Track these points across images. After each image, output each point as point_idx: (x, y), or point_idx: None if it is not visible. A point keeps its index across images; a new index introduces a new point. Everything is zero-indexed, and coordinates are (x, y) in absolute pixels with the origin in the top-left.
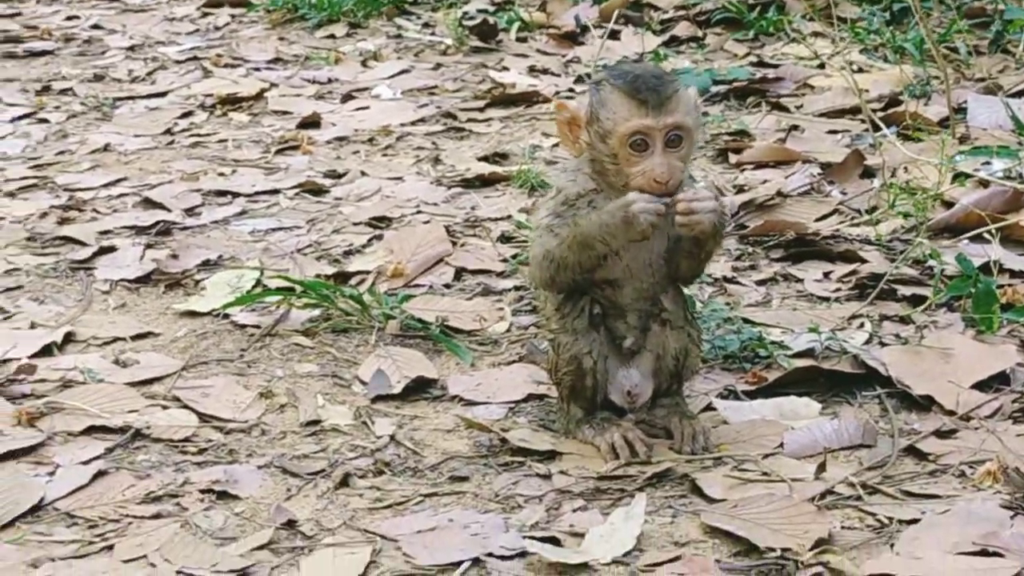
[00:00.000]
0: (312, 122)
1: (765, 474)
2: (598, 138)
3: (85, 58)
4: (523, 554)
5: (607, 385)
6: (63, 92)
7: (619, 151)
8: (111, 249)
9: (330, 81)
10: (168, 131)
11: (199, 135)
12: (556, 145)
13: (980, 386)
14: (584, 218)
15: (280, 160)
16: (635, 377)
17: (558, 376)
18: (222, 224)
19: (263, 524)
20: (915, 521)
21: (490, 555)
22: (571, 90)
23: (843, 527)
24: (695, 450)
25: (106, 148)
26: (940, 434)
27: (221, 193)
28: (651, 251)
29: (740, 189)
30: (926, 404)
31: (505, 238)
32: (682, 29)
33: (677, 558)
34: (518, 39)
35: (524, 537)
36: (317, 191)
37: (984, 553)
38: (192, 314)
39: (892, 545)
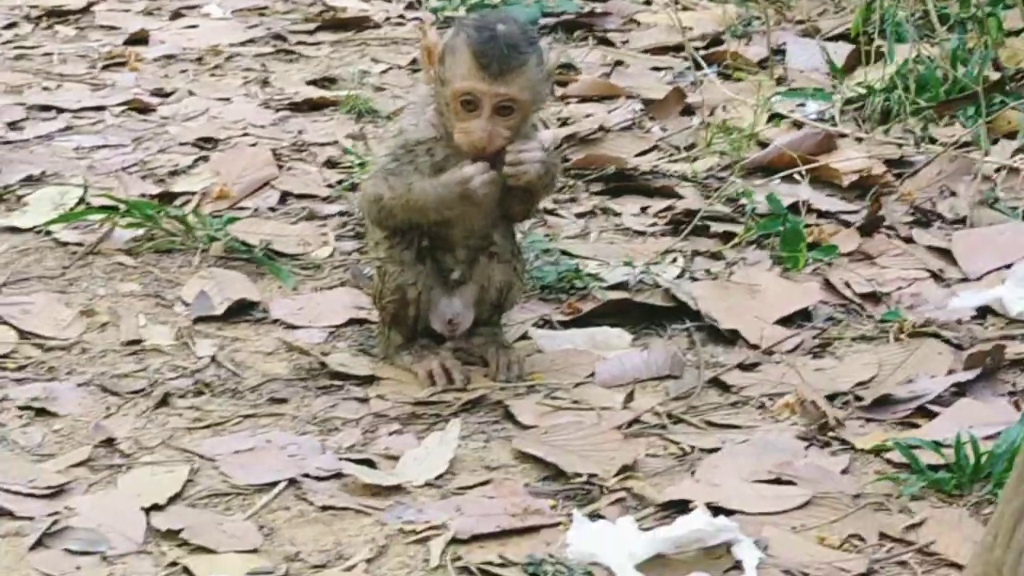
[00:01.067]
0: (140, 38)
1: (576, 402)
2: (439, 80)
3: None
4: (339, 475)
5: (429, 313)
6: None
7: (451, 102)
8: None
9: None
10: None
11: (23, 47)
12: (386, 71)
13: (784, 322)
14: (419, 183)
15: (107, 76)
16: (457, 306)
17: (381, 303)
18: (46, 139)
19: (81, 441)
20: (715, 450)
21: (306, 476)
22: (401, 16)
23: (647, 455)
24: (509, 379)
25: None
26: (743, 367)
27: (45, 108)
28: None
29: (564, 122)
30: (732, 338)
31: (331, 163)
32: None
33: (488, 482)
34: None
35: (340, 459)
36: (144, 109)
37: (778, 481)
38: (13, 230)
39: (693, 472)
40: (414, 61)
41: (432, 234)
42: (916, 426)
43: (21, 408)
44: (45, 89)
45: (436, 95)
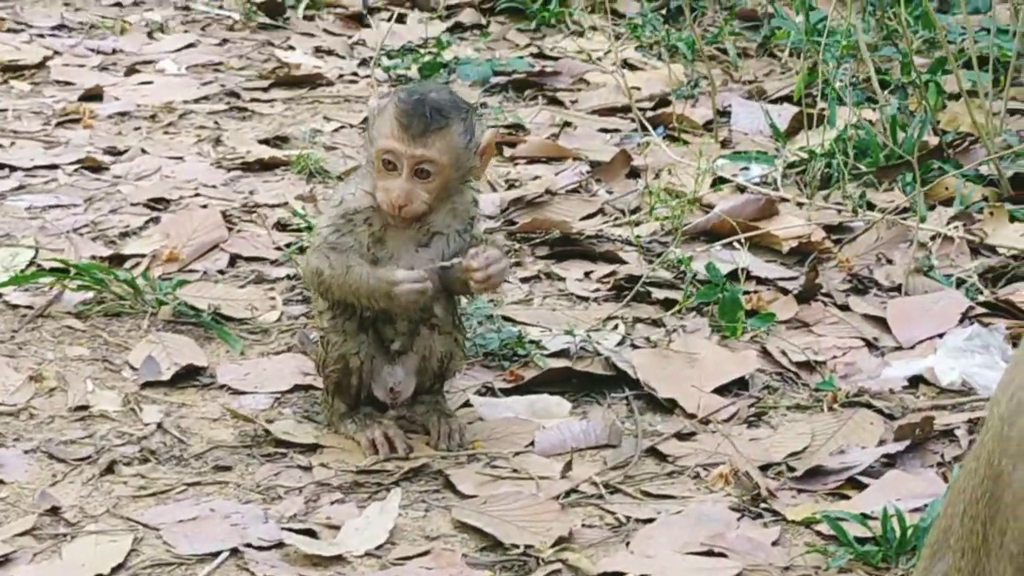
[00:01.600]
0: (95, 95)
1: (515, 471)
2: (369, 141)
3: None
4: (280, 545)
5: (371, 381)
6: None
7: (376, 162)
8: None
9: (115, 52)
10: None
11: None
12: (337, 130)
13: (721, 390)
14: (356, 269)
15: (60, 133)
16: (399, 374)
17: (325, 371)
18: None
19: (27, 510)
20: (651, 520)
21: (248, 545)
22: (355, 74)
23: (584, 525)
24: (451, 447)
25: None
26: (680, 436)
27: None
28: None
29: (512, 184)
30: (669, 407)
31: (281, 225)
32: (467, 16)
33: (427, 552)
34: (305, 17)
35: (282, 528)
36: (96, 168)
37: (711, 553)
38: None
39: (628, 544)
40: (366, 120)
41: (368, 306)
42: (847, 497)
43: None
44: None
45: (367, 156)
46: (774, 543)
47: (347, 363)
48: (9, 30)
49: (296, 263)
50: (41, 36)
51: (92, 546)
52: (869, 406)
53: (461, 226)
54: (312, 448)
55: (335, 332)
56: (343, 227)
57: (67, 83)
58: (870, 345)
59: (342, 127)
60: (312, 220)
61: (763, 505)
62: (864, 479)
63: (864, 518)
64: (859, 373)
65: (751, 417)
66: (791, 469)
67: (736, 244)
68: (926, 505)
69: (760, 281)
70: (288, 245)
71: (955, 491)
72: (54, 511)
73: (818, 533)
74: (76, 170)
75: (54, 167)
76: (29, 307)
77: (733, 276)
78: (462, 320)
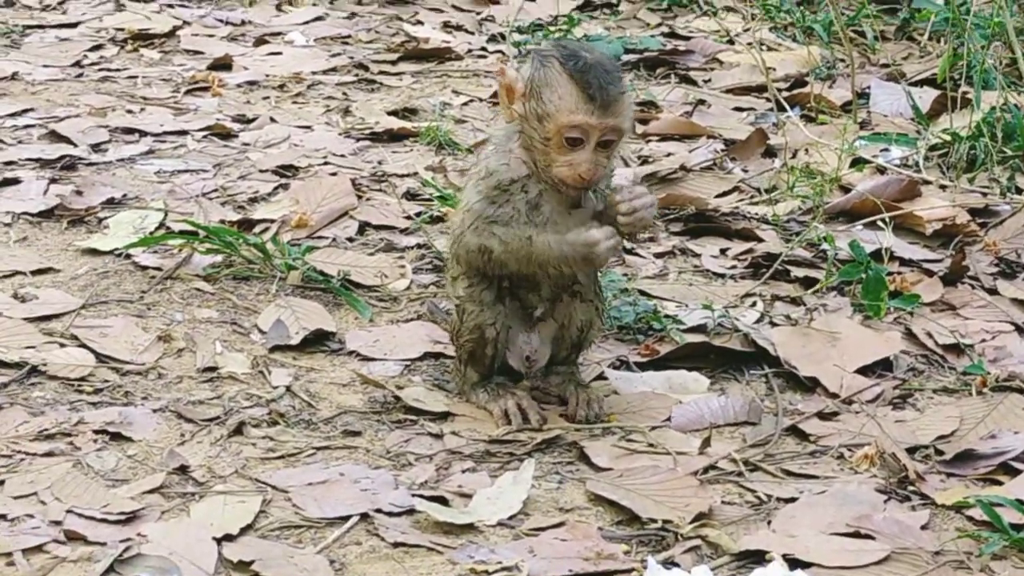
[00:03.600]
0: (224, 64)
1: (651, 446)
2: (534, 116)
3: None
4: (411, 511)
5: (506, 351)
6: None
7: (553, 137)
8: (15, 181)
9: (243, 23)
10: (78, 63)
11: (109, 70)
12: (466, 104)
13: (864, 371)
14: (540, 238)
15: (189, 101)
16: (535, 342)
17: (459, 341)
18: (128, 162)
19: (155, 468)
20: (793, 500)
21: (379, 511)
22: (483, 49)
23: (723, 502)
24: (588, 416)
25: (14, 77)
26: (822, 416)
27: (128, 131)
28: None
29: (644, 160)
30: (811, 386)
31: (411, 195)
32: None
33: (561, 523)
34: None
35: (413, 495)
36: (225, 135)
37: (856, 535)
38: (94, 252)
39: (769, 522)
40: (495, 94)
41: (517, 274)
42: (998, 483)
43: (96, 432)
44: (129, 112)
45: (525, 131)
46: (923, 527)
47: (483, 333)
48: (140, 0)
49: (426, 232)
50: (170, 7)
51: (220, 506)
52: (1020, 391)
53: (605, 181)
54: (443, 416)
55: (471, 302)
56: (498, 198)
57: (196, 52)
58: (1020, 329)
59: (471, 101)
60: (444, 191)
61: (911, 488)
62: (1017, 465)
63: (1020, 504)
64: (1009, 357)
65: (896, 399)
66: (939, 452)
67: (879, 224)
68: None
69: (904, 262)
70: (418, 214)
71: None
72: (182, 470)
73: (969, 518)
74: (205, 136)
75: (183, 133)
76: (158, 269)
77: (876, 257)
78: (602, 288)
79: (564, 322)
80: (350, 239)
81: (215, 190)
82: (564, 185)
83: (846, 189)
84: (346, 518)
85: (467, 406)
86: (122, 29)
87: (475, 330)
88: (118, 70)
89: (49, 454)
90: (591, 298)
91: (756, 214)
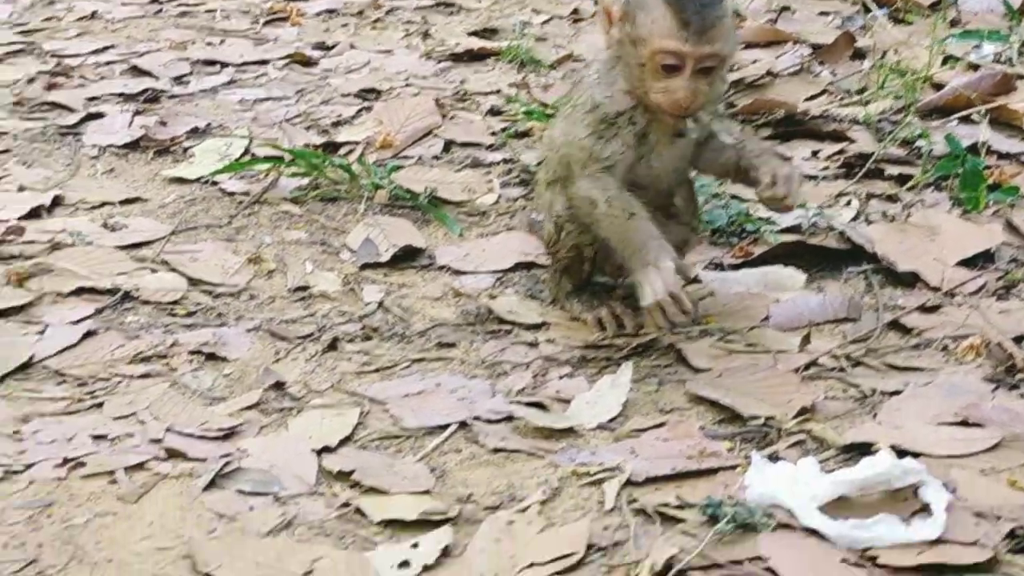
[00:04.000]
0: None
1: (750, 345)
2: (629, 40)
3: None
4: (509, 418)
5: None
6: None
7: (647, 63)
8: (99, 115)
9: None
10: (156, 0)
11: (187, 4)
12: (547, 22)
13: (965, 264)
14: (636, 223)
15: (268, 31)
16: None
17: (557, 255)
18: (210, 93)
19: (251, 385)
20: (897, 393)
21: (477, 419)
22: None
23: (826, 398)
24: (685, 321)
25: (93, 15)
26: (924, 309)
27: (209, 63)
28: (682, 158)
29: (730, 68)
30: (910, 280)
31: (495, 112)
32: None
33: (661, 424)
34: None
35: (511, 402)
36: (306, 62)
37: (965, 423)
38: (180, 180)
39: (875, 415)
40: (575, 11)
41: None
42: None
43: (191, 353)
44: (209, 44)
45: (624, 56)
46: None
47: (580, 252)
48: None
49: (512, 147)
50: None
51: (318, 419)
52: None
53: (711, 106)
54: (537, 326)
55: (571, 221)
56: (606, 132)
57: None
58: None
59: (551, 19)
60: (529, 106)
61: (1019, 376)
62: None
63: None
64: None
65: (999, 290)
66: None
67: (974, 118)
68: None
69: (1001, 156)
70: (503, 130)
71: None
72: (279, 386)
73: None
74: (286, 64)
75: (264, 63)
76: (245, 194)
77: (972, 150)
78: (699, 208)
79: None
80: (436, 157)
81: (298, 115)
82: (662, 112)
83: (938, 87)
84: (444, 427)
85: (561, 314)
86: None
87: (573, 248)
88: (196, 4)
89: (146, 376)
90: (688, 220)
91: (847, 116)
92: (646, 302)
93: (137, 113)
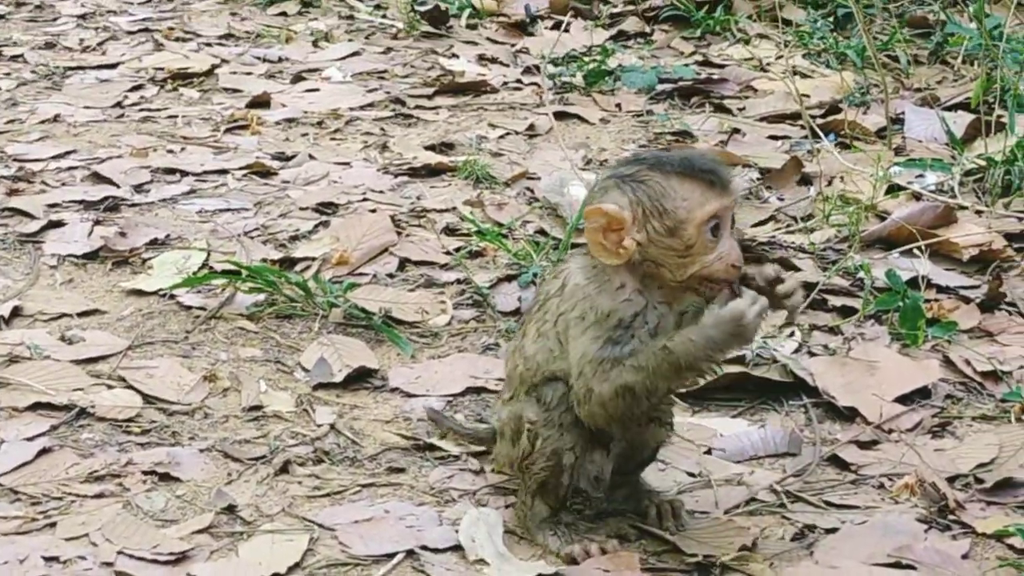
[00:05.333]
0: (262, 101)
1: (692, 475)
2: (661, 233)
3: (36, 24)
4: (456, 547)
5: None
6: (14, 59)
7: (695, 241)
8: (59, 223)
9: (281, 60)
10: (118, 104)
11: (149, 109)
12: (503, 137)
13: (902, 399)
14: (675, 343)
15: (229, 139)
16: (597, 459)
17: (530, 470)
18: (170, 203)
19: (204, 508)
20: (834, 530)
21: (424, 547)
22: (519, 81)
23: (765, 536)
24: (675, 527)
25: (56, 119)
26: (862, 445)
27: (170, 171)
28: None
29: None
30: (849, 415)
31: (450, 230)
32: (631, 24)
33: (603, 552)
34: (468, 26)
35: (457, 531)
36: (265, 173)
37: (899, 565)
38: (138, 293)
39: (812, 553)
40: (531, 127)
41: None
42: None
43: (145, 472)
44: (170, 152)
45: (653, 256)
46: (964, 556)
47: (560, 460)
48: (178, 39)
49: (465, 267)
50: (209, 45)
51: (269, 545)
52: None
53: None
54: (484, 452)
55: (548, 426)
56: (621, 337)
57: (235, 90)
58: None
59: (508, 134)
60: (482, 225)
61: (951, 517)
62: None
63: None
64: None
65: (935, 427)
66: (979, 481)
67: (915, 251)
68: None
69: (940, 289)
70: (457, 249)
71: None
72: (230, 509)
73: (1010, 547)
74: (245, 175)
75: (224, 172)
76: (202, 308)
77: (913, 284)
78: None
79: (636, 443)
80: (390, 275)
81: (256, 229)
82: (715, 286)
83: (882, 217)
84: (392, 555)
85: None
86: (161, 68)
87: (552, 456)
88: (158, 110)
89: (99, 495)
90: (669, 420)
91: (793, 243)
92: (753, 313)
93: (97, 222)
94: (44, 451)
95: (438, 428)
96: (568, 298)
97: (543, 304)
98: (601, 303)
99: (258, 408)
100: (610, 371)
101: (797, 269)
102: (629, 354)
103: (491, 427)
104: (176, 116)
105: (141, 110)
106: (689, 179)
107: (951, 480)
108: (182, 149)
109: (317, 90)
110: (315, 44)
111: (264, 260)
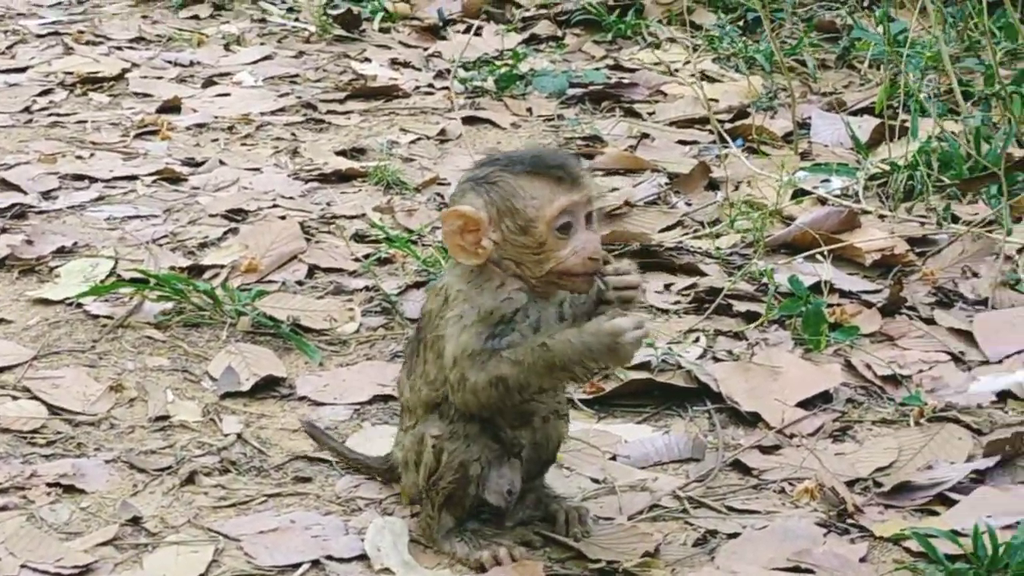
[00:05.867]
0: (173, 106)
1: (595, 481)
2: (514, 232)
3: None
4: (362, 557)
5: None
6: None
7: (546, 238)
8: None
9: (192, 64)
10: (27, 109)
11: (58, 114)
12: (414, 142)
13: (804, 404)
14: (555, 341)
15: (139, 145)
16: (507, 472)
17: (436, 486)
18: (78, 210)
19: (108, 520)
20: (735, 535)
21: (329, 557)
22: (431, 86)
23: (667, 542)
24: (580, 534)
25: None
26: (764, 450)
27: (78, 177)
28: None
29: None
30: (753, 420)
31: (359, 237)
32: (543, 28)
33: (512, 558)
34: (381, 30)
35: (363, 540)
36: (175, 179)
37: (798, 569)
38: (45, 302)
39: (713, 558)
40: (443, 131)
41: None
42: (935, 513)
43: (50, 484)
44: (79, 158)
45: (511, 255)
46: (862, 559)
47: (466, 471)
48: (88, 43)
49: (374, 274)
50: (119, 49)
51: (173, 556)
52: (957, 421)
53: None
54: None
55: (452, 439)
56: (502, 331)
57: (145, 95)
58: (956, 359)
59: (419, 139)
60: (391, 233)
61: (850, 521)
62: (953, 495)
63: (955, 535)
64: (946, 388)
65: (836, 431)
66: (878, 484)
67: (819, 257)
68: (1018, 522)
69: (843, 294)
70: (366, 256)
71: None
72: (135, 521)
73: (907, 550)
74: (155, 181)
75: (133, 178)
76: (109, 317)
77: (816, 289)
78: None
79: (541, 442)
80: (299, 283)
81: (165, 236)
82: (576, 280)
83: (788, 220)
84: (297, 565)
85: None
86: (71, 73)
87: (459, 469)
88: (67, 115)
89: (3, 508)
90: (566, 412)
91: (699, 248)
92: (631, 336)
93: (3, 230)
94: None
95: (320, 445)
96: (452, 306)
97: (433, 325)
98: (483, 302)
99: (165, 418)
100: (487, 361)
101: (703, 275)
102: (507, 346)
103: (380, 456)
104: (85, 121)
105: (50, 115)
106: (538, 177)
107: (850, 484)
108: (91, 155)
109: (228, 95)
110: (227, 48)
111: (172, 268)
